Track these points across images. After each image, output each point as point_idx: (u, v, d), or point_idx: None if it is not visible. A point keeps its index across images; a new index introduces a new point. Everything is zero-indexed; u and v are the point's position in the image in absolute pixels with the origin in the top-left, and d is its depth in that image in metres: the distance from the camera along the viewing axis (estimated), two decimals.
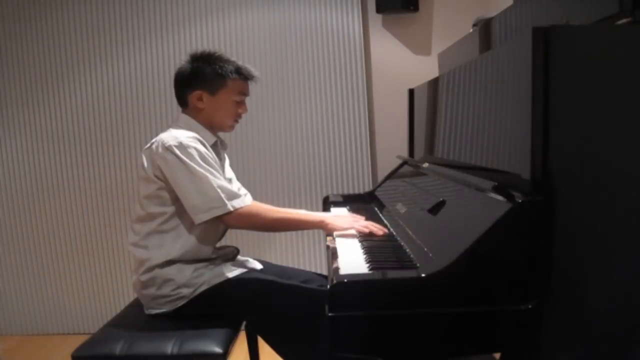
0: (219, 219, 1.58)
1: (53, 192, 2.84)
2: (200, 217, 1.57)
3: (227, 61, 1.70)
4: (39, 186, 2.84)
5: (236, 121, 1.76)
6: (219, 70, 1.67)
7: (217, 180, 1.57)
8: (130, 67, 2.77)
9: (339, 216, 1.71)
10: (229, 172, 1.93)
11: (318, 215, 1.70)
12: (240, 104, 1.74)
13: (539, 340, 1.08)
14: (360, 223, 1.64)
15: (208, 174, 1.56)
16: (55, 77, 2.79)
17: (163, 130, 1.69)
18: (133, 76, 2.78)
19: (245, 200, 1.61)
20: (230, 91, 1.69)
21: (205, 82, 1.68)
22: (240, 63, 1.72)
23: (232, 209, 1.56)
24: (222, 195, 1.56)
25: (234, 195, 1.59)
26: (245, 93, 1.74)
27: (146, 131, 2.77)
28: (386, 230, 1.64)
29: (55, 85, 2.80)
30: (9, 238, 2.88)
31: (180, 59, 2.49)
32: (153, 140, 1.64)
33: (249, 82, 1.75)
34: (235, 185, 1.98)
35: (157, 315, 1.64)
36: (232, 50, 2.71)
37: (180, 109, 1.78)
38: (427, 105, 1.99)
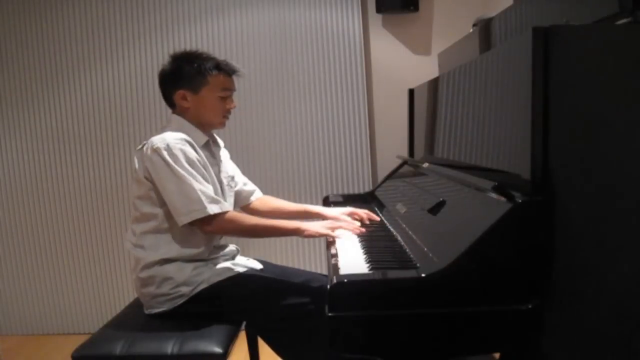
0: (197, 225, 1.59)
1: (53, 192, 2.84)
2: (181, 220, 1.58)
3: (207, 58, 1.70)
4: (38, 186, 2.84)
5: (225, 117, 1.75)
6: (199, 68, 1.67)
7: (199, 185, 1.58)
8: (130, 67, 2.77)
9: (314, 222, 1.70)
10: (231, 168, 1.92)
11: (294, 222, 1.69)
12: (226, 99, 1.73)
13: (539, 340, 1.08)
14: (335, 226, 1.65)
15: (191, 178, 1.57)
16: (55, 77, 2.79)
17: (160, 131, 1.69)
18: (133, 76, 2.78)
19: (223, 207, 1.61)
20: (213, 87, 1.69)
21: (186, 81, 1.68)
22: (220, 59, 1.71)
23: (211, 213, 1.57)
24: (203, 199, 1.56)
25: (214, 201, 1.59)
26: (229, 88, 1.73)
27: (146, 131, 2.77)
28: (362, 230, 1.64)
29: (55, 85, 2.80)
30: (9, 238, 2.88)
31: None
32: (145, 142, 1.65)
33: (234, 78, 1.74)
34: (242, 180, 1.98)
35: (157, 315, 1.64)
36: (232, 50, 2.71)
37: (169, 110, 1.77)
38: (427, 105, 1.99)
